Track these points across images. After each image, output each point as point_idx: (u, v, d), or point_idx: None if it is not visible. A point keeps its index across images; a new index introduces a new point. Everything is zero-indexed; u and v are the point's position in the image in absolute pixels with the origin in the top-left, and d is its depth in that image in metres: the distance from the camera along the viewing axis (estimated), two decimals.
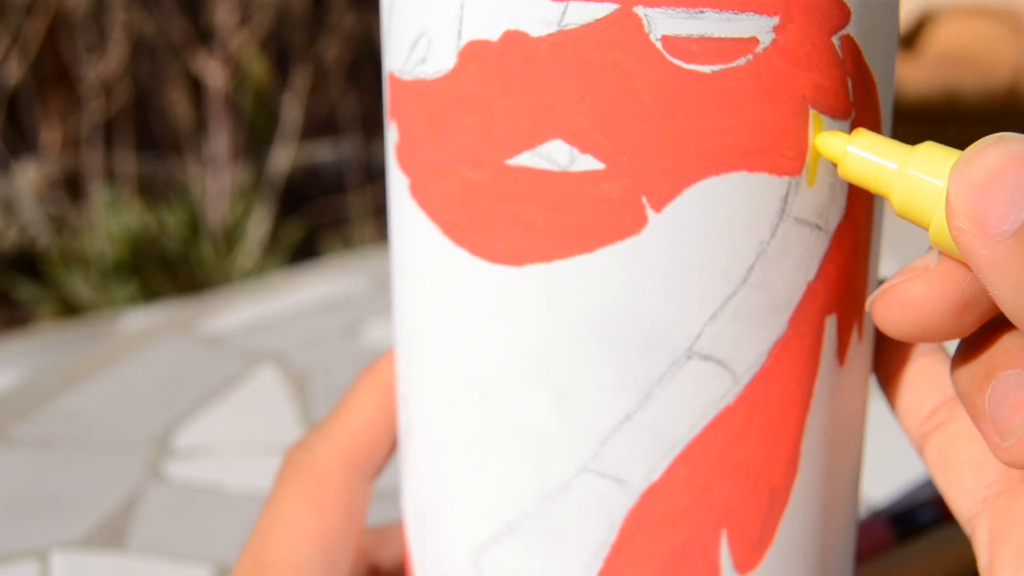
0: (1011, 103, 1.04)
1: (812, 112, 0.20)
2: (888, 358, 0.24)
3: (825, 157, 0.20)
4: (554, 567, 0.22)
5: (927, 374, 0.23)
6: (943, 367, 0.23)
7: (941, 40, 1.02)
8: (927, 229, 0.19)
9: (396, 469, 0.29)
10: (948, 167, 0.19)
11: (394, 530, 0.30)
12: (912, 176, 0.19)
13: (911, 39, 1.01)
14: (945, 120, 1.07)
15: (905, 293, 0.20)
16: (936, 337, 0.20)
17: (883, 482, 0.42)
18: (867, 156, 0.20)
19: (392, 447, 0.28)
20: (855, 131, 0.20)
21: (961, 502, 0.22)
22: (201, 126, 2.07)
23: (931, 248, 0.20)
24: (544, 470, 0.22)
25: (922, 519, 0.37)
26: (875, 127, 0.22)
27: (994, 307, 0.20)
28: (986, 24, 1.01)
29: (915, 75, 1.02)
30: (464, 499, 0.23)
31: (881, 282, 0.22)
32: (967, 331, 0.20)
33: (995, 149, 0.17)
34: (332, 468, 0.27)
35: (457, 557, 0.23)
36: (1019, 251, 0.17)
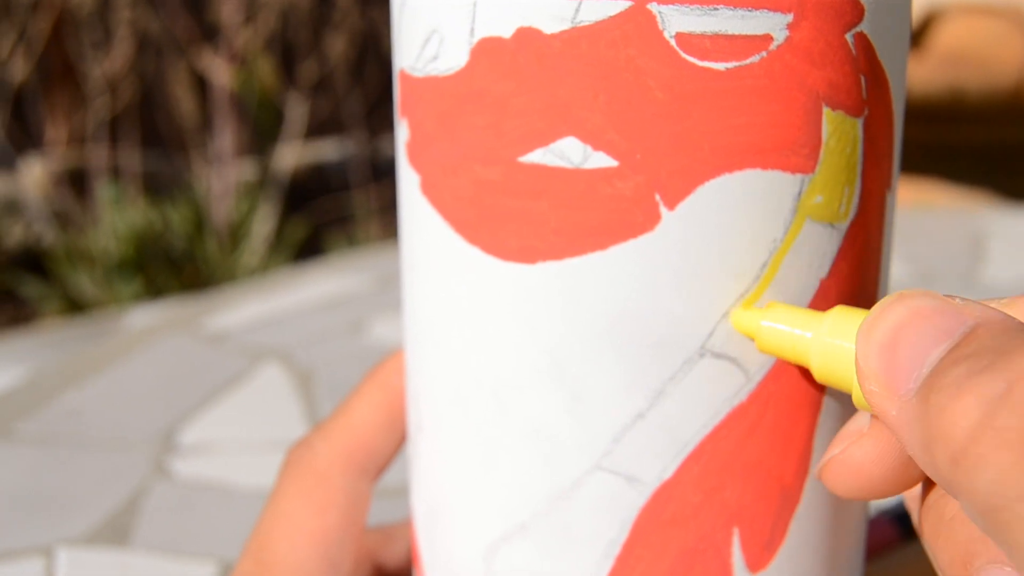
0: (1016, 101, 1.04)
1: (825, 109, 0.20)
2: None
3: (743, 334, 0.20)
4: (566, 565, 0.22)
5: None
6: None
7: (947, 38, 1.02)
8: (850, 392, 0.19)
9: (402, 467, 0.29)
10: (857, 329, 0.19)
11: (399, 529, 0.30)
12: (826, 342, 0.19)
13: (917, 37, 1.01)
14: (950, 118, 1.07)
15: (847, 460, 0.20)
16: (889, 493, 0.20)
17: None
18: (781, 328, 0.20)
19: (396, 447, 0.28)
20: (768, 304, 0.20)
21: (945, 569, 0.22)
22: (206, 124, 2.08)
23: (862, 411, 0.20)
24: (556, 468, 0.22)
25: None
26: (887, 124, 0.22)
27: None
28: (991, 23, 1.01)
29: (921, 73, 1.02)
30: (476, 498, 0.23)
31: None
32: (916, 482, 0.20)
33: (896, 308, 0.17)
34: (333, 467, 0.27)
35: (468, 556, 0.23)
36: (922, 408, 0.16)
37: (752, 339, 0.21)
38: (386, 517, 0.32)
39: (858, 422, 0.20)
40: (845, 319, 0.19)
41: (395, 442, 0.27)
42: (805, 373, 0.21)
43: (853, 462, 0.20)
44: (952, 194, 1.16)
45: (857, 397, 0.19)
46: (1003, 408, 0.15)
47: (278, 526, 0.26)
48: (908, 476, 0.20)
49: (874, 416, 0.19)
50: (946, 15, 1.01)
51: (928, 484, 0.20)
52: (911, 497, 0.23)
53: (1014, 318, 0.17)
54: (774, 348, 0.20)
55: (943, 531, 0.18)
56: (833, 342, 0.19)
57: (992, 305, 0.18)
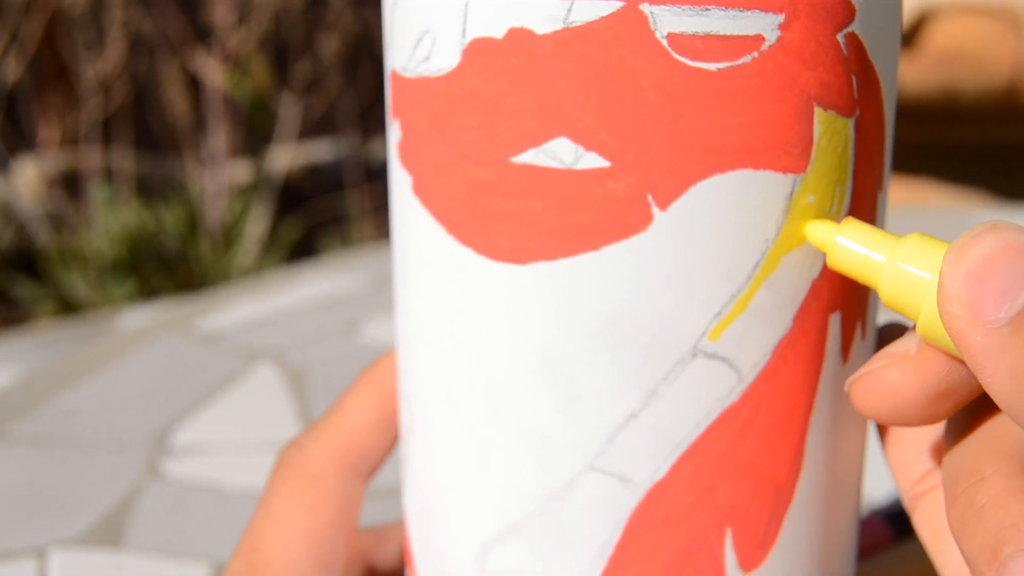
0: (1009, 101, 1.04)
1: (817, 109, 0.20)
2: None
3: (812, 245, 0.20)
4: (559, 566, 0.22)
5: (922, 435, 0.23)
6: (938, 430, 0.23)
7: (940, 38, 1.02)
8: (915, 320, 0.19)
9: (395, 467, 0.29)
10: (935, 259, 0.19)
11: (391, 530, 0.30)
12: (900, 268, 0.19)
13: (910, 37, 1.01)
14: (943, 118, 1.07)
15: (883, 379, 0.20)
16: (909, 422, 0.20)
17: (881, 481, 0.42)
18: (855, 247, 0.20)
19: (388, 448, 0.28)
20: (844, 220, 0.20)
21: (950, 571, 0.22)
22: (199, 124, 2.07)
23: (911, 332, 0.20)
24: (549, 469, 0.22)
25: None
26: (879, 124, 0.22)
27: (968, 397, 0.20)
28: (985, 23, 1.01)
29: (914, 73, 1.02)
30: (468, 498, 0.23)
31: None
32: (940, 419, 0.20)
33: (989, 237, 0.18)
34: (324, 468, 0.27)
35: (461, 556, 0.23)
36: (1015, 338, 0.17)
37: (824, 252, 0.20)
38: (379, 518, 0.32)
39: (903, 345, 0.20)
40: (923, 247, 0.19)
41: (387, 442, 0.27)
42: (798, 372, 0.21)
43: (888, 382, 0.20)
44: (945, 194, 1.16)
45: (923, 325, 0.19)
46: None
47: (270, 526, 0.26)
48: (938, 410, 0.20)
49: (925, 344, 0.20)
50: (939, 15, 1.01)
51: (958, 476, 0.19)
52: (910, 498, 0.23)
53: None
54: (844, 266, 0.20)
55: (972, 519, 0.18)
56: (907, 268, 0.19)
57: None
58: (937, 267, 0.19)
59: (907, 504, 0.23)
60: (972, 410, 0.20)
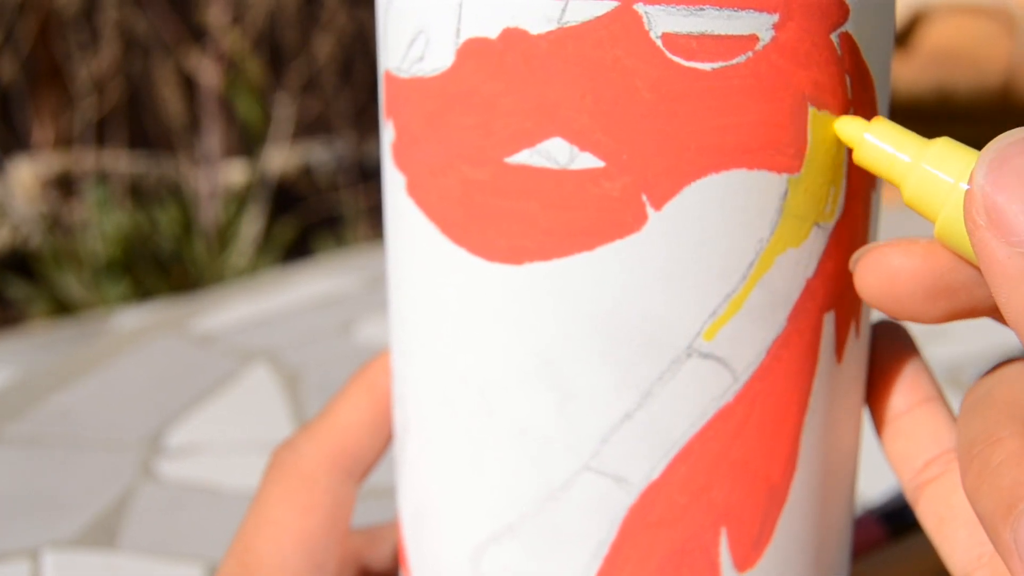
0: (1004, 101, 1.04)
1: (811, 109, 0.20)
2: (884, 404, 0.24)
3: (841, 140, 0.20)
4: (554, 566, 0.22)
5: (923, 425, 0.23)
6: (940, 419, 0.23)
7: (934, 38, 1.02)
8: (933, 222, 0.19)
9: (389, 468, 0.29)
10: (961, 165, 0.19)
11: (385, 531, 0.30)
12: (925, 170, 0.19)
13: (904, 37, 1.02)
14: (938, 118, 1.07)
15: (888, 259, 0.20)
16: (902, 313, 0.20)
17: (875, 480, 0.42)
18: (882, 146, 0.20)
19: (382, 449, 0.28)
20: (874, 119, 0.20)
21: (956, 558, 0.22)
22: (194, 125, 2.07)
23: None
24: (544, 469, 0.22)
25: (913, 517, 0.37)
26: None
27: (970, 309, 0.20)
28: (979, 22, 1.01)
29: (908, 73, 1.02)
30: (463, 499, 0.23)
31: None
32: (934, 320, 0.20)
33: None
34: (317, 469, 0.27)
35: (456, 557, 0.23)
36: None
37: (852, 148, 0.20)
38: (373, 518, 0.32)
39: (919, 240, 0.20)
40: (951, 152, 0.19)
41: (381, 443, 0.27)
42: (792, 372, 0.21)
43: (891, 264, 0.20)
44: None
45: (940, 228, 0.19)
46: None
47: (262, 528, 0.26)
48: (932, 309, 0.20)
49: (936, 241, 0.19)
50: (933, 15, 1.01)
51: (974, 440, 0.19)
52: (912, 488, 0.23)
53: None
54: (870, 163, 0.20)
55: (988, 477, 0.18)
56: (933, 171, 0.19)
57: None
58: (962, 172, 0.19)
59: (910, 495, 0.23)
60: (987, 385, 0.20)
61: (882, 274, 0.20)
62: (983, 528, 0.18)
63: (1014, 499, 0.17)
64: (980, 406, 0.20)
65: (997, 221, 0.17)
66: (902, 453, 0.23)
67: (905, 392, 0.23)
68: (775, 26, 0.19)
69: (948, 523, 0.22)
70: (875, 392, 0.24)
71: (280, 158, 2.11)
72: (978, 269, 0.19)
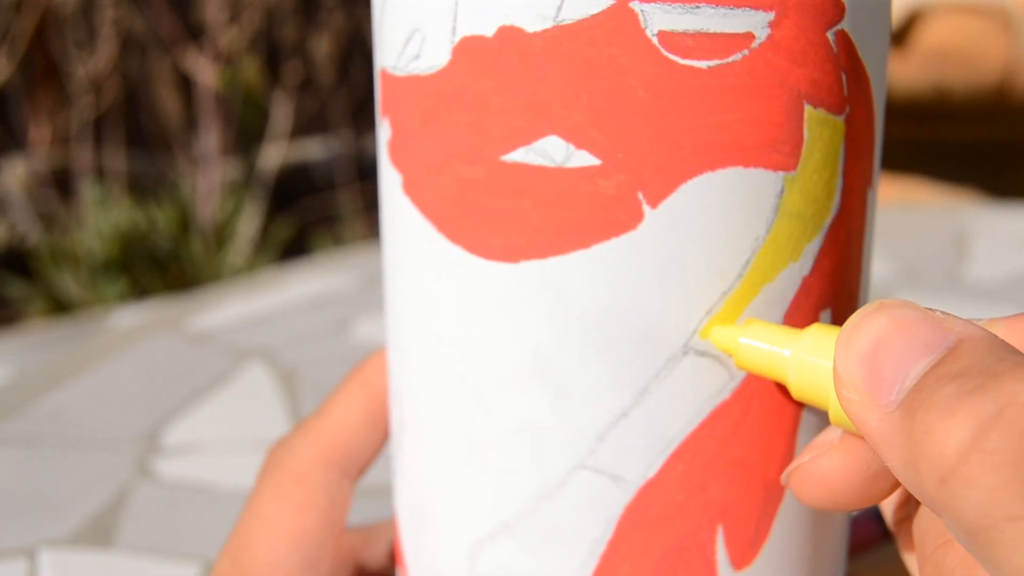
0: (1000, 99, 1.05)
1: (807, 108, 0.20)
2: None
3: (719, 349, 0.20)
4: (550, 564, 0.22)
5: None
6: None
7: (931, 37, 1.02)
8: (826, 410, 0.19)
9: (384, 466, 0.29)
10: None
11: (381, 529, 0.30)
12: (803, 360, 0.19)
13: (901, 35, 1.02)
14: (935, 116, 1.07)
15: (815, 470, 0.20)
16: (853, 506, 0.20)
17: None
18: (759, 345, 0.20)
19: (377, 447, 0.28)
20: (746, 321, 0.20)
21: None
22: (191, 123, 2.07)
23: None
24: (541, 467, 0.22)
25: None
26: (868, 122, 0.22)
27: None
28: (975, 21, 1.02)
29: (905, 71, 1.03)
30: (460, 497, 0.23)
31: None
32: (883, 498, 0.20)
33: (877, 317, 0.17)
34: (312, 468, 0.27)
35: (452, 555, 0.23)
36: (906, 421, 0.16)
37: (730, 355, 0.21)
38: (369, 516, 0.32)
39: (829, 434, 0.20)
40: (823, 337, 0.19)
41: (376, 442, 0.27)
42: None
43: (820, 472, 0.20)
44: (936, 192, 1.17)
45: (834, 414, 0.19)
46: (994, 430, 0.15)
47: (257, 526, 0.26)
48: (874, 491, 0.20)
49: (847, 432, 0.19)
50: (930, 13, 1.01)
51: (926, 537, 0.19)
52: (889, 512, 0.23)
53: (995, 336, 0.17)
54: (751, 365, 0.20)
55: None
56: (810, 359, 0.19)
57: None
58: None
59: (893, 530, 0.23)
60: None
61: (814, 485, 0.20)
62: None
63: None
64: None
65: (865, 392, 0.17)
66: None
67: None
68: (771, 24, 0.19)
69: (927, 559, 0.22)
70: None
71: (277, 157, 2.12)
72: None
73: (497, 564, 0.23)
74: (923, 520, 0.20)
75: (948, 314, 0.17)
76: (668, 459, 0.21)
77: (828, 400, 0.19)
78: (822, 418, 0.22)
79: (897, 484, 0.20)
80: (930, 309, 0.17)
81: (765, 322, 0.20)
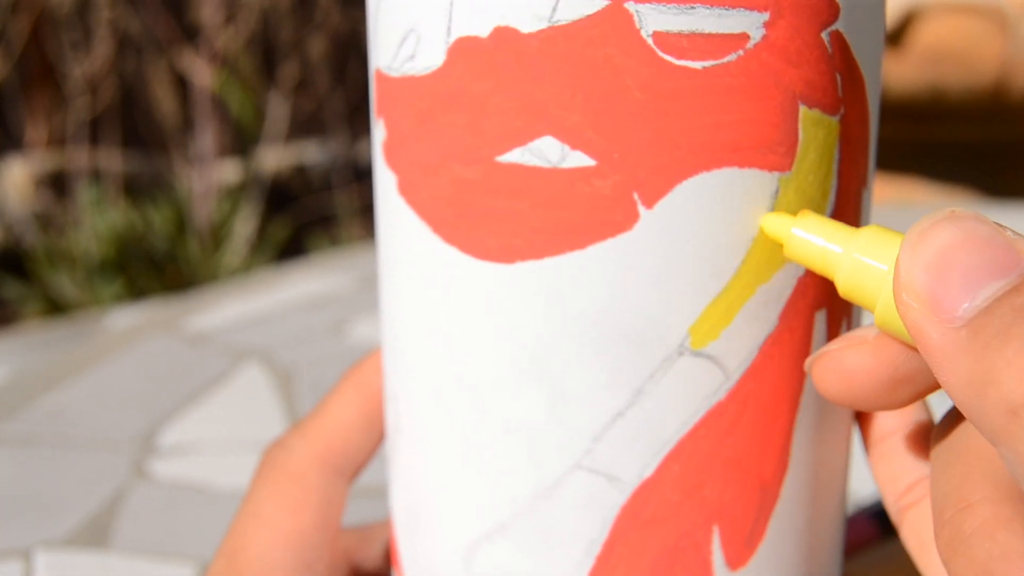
0: (996, 99, 1.05)
1: (802, 108, 0.20)
2: (871, 427, 0.24)
3: (768, 236, 0.20)
4: (547, 565, 0.22)
5: (907, 448, 0.23)
6: (926, 443, 0.23)
7: (927, 37, 1.02)
8: (872, 311, 0.19)
9: (380, 466, 0.29)
10: (892, 251, 0.19)
11: (376, 530, 0.30)
12: (856, 260, 0.19)
13: (897, 36, 1.02)
14: (931, 116, 1.07)
15: (840, 360, 0.20)
16: (869, 407, 0.20)
17: (868, 478, 0.42)
18: (812, 239, 0.20)
19: (373, 448, 0.28)
20: (800, 213, 0.20)
21: None
22: (187, 124, 2.07)
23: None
24: (537, 468, 0.22)
25: None
26: (863, 122, 0.22)
27: (930, 387, 0.20)
28: (971, 21, 1.02)
29: (901, 72, 1.03)
30: (455, 498, 0.23)
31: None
32: (901, 405, 0.20)
33: (947, 227, 0.17)
34: (308, 467, 0.27)
35: (448, 556, 0.23)
36: (973, 343, 0.16)
37: (780, 244, 0.20)
38: (365, 518, 0.32)
39: (864, 331, 0.20)
40: (880, 239, 0.19)
41: (372, 442, 0.27)
42: (784, 370, 0.21)
43: (845, 365, 0.20)
44: (933, 192, 1.17)
45: (880, 317, 0.19)
46: None
47: (252, 527, 0.26)
48: (894, 397, 0.19)
49: (883, 332, 0.19)
50: (926, 13, 1.01)
51: (945, 502, 0.19)
52: (896, 511, 0.23)
53: None
54: (802, 257, 0.20)
55: (960, 547, 0.18)
56: (864, 260, 0.19)
57: None
58: (894, 257, 0.18)
59: (894, 517, 0.23)
60: (952, 426, 0.20)
61: (838, 376, 0.20)
62: None
63: (988, 574, 0.17)
64: (951, 456, 0.19)
65: (927, 302, 0.17)
66: (887, 475, 0.23)
67: (894, 414, 0.23)
68: (766, 24, 0.19)
69: (930, 547, 0.22)
70: (864, 414, 0.24)
71: (273, 157, 2.11)
72: None
73: (493, 565, 0.23)
74: (942, 483, 0.19)
75: (1019, 234, 0.17)
76: (664, 459, 0.21)
77: (875, 302, 0.19)
78: (818, 417, 0.22)
79: (916, 396, 0.20)
80: (1000, 225, 0.17)
81: (819, 216, 0.20)
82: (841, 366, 0.20)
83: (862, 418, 0.24)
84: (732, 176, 0.20)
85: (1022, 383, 0.15)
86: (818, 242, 0.20)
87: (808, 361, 0.21)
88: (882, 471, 0.23)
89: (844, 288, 0.19)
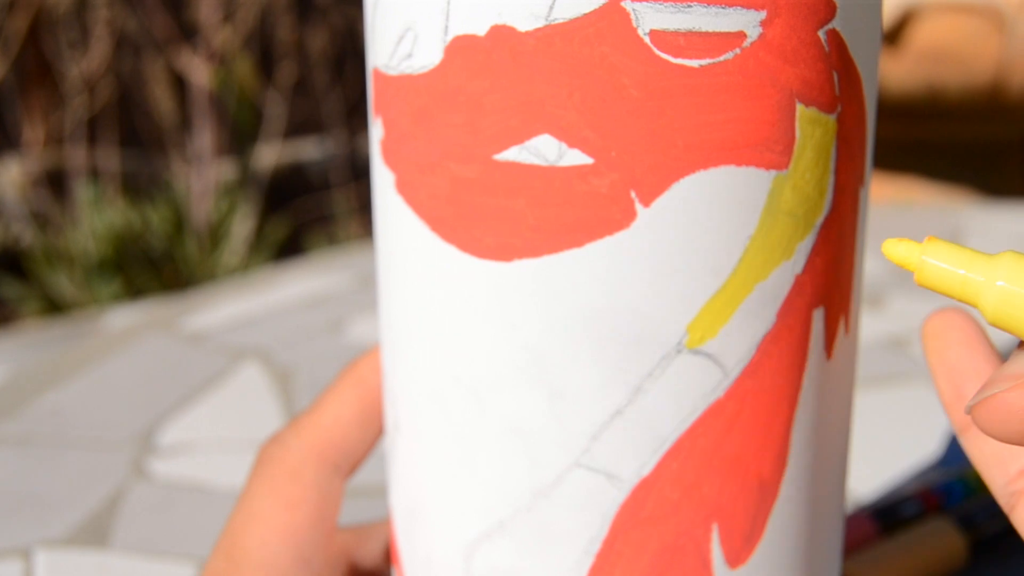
0: (993, 99, 1.05)
1: (799, 106, 0.20)
2: (964, 404, 0.23)
3: (895, 263, 0.20)
4: (546, 563, 0.22)
5: None
6: None
7: (924, 36, 1.02)
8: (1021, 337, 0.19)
9: (379, 465, 0.29)
10: None
11: (375, 528, 0.30)
12: (1004, 289, 0.19)
13: (894, 35, 1.02)
14: (928, 115, 1.07)
15: (1009, 402, 0.19)
16: None
17: (867, 476, 0.42)
18: (947, 267, 0.20)
19: (370, 445, 0.28)
20: (927, 240, 0.20)
21: None
22: (185, 123, 2.07)
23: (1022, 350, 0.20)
24: (535, 466, 0.22)
25: (905, 513, 0.37)
26: (860, 120, 0.22)
27: None
28: (968, 20, 1.02)
29: (898, 71, 1.03)
30: (455, 496, 0.23)
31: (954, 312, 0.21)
32: None
33: None
34: (305, 464, 0.27)
35: (448, 554, 0.23)
36: None
37: (910, 270, 0.20)
38: (364, 517, 0.32)
39: (1018, 365, 0.19)
40: (1021, 265, 0.19)
41: (369, 439, 0.27)
42: (782, 368, 0.21)
43: (1014, 405, 0.19)
44: (930, 191, 1.17)
45: None
46: None
47: (249, 523, 0.26)
48: None
49: None
50: (923, 13, 1.01)
51: None
52: (1007, 495, 0.22)
53: None
54: (936, 284, 0.20)
55: None
56: (1012, 288, 0.19)
57: None
58: None
59: (1003, 502, 0.22)
60: None
61: (1008, 417, 0.19)
62: None
63: None
64: None
65: None
66: (992, 457, 0.22)
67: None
68: (762, 23, 0.19)
69: None
70: (951, 391, 0.23)
71: (271, 156, 2.11)
72: None
73: (492, 563, 0.23)
74: None
75: None
76: (663, 457, 0.21)
77: None
78: (816, 415, 0.22)
79: None
80: None
81: (945, 242, 0.20)
82: (1010, 407, 0.19)
83: (950, 399, 0.23)
84: (729, 174, 0.20)
85: None
86: (957, 271, 0.20)
87: (968, 405, 0.20)
88: (984, 454, 0.22)
89: (994, 317, 0.19)
